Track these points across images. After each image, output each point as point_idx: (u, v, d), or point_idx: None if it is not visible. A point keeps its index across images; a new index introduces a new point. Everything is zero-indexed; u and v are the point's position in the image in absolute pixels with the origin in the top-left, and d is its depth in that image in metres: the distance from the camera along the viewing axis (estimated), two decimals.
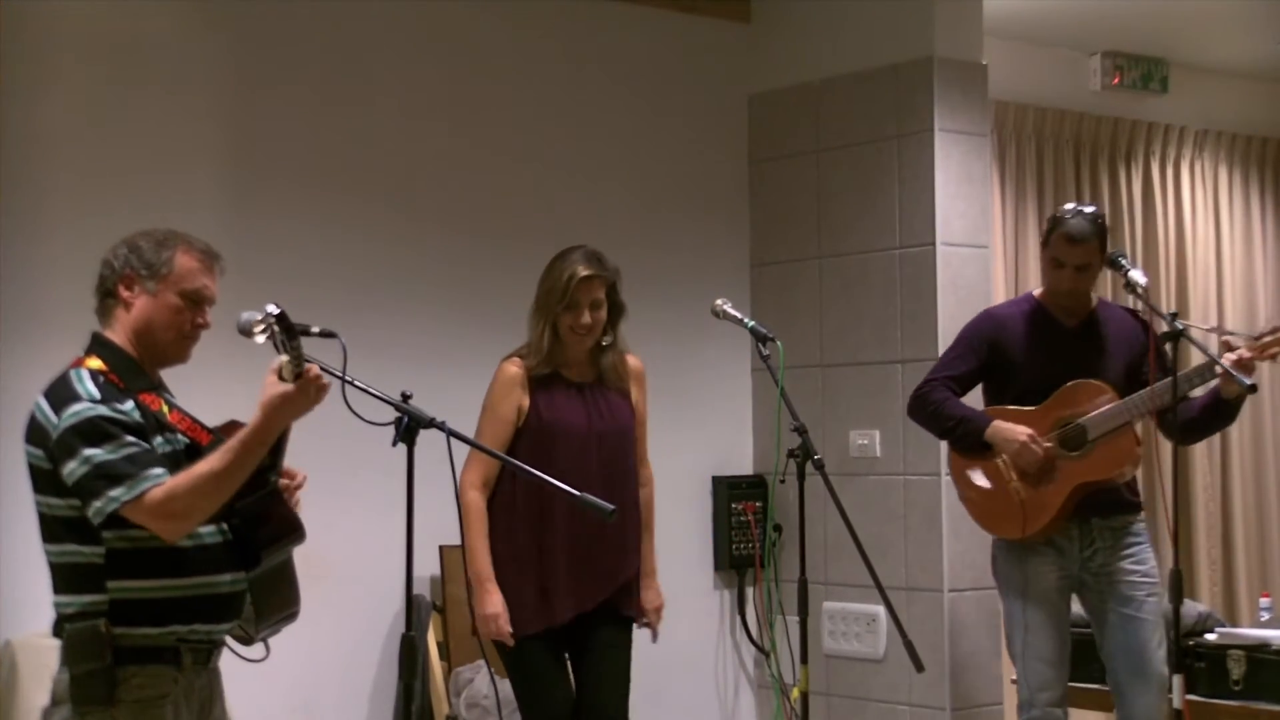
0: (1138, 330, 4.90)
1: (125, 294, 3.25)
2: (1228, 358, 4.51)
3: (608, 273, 4.52)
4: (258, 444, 3.11)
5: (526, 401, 4.48)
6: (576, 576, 4.44)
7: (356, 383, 3.25)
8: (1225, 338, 4.61)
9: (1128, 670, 4.74)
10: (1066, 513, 4.74)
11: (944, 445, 5.70)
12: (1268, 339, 4.56)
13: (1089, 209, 4.83)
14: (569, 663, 4.54)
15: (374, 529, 4.78)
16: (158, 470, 3.09)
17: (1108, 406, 4.67)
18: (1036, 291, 4.95)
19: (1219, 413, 4.68)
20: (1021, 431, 4.72)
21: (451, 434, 3.29)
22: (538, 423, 4.45)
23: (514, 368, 4.51)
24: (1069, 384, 4.75)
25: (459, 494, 4.34)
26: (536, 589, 4.43)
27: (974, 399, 5.06)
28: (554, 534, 4.41)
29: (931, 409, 4.91)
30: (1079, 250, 4.71)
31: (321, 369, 3.19)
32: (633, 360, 4.65)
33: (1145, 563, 4.81)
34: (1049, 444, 4.72)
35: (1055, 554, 4.80)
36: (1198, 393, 4.75)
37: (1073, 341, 4.84)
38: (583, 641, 4.51)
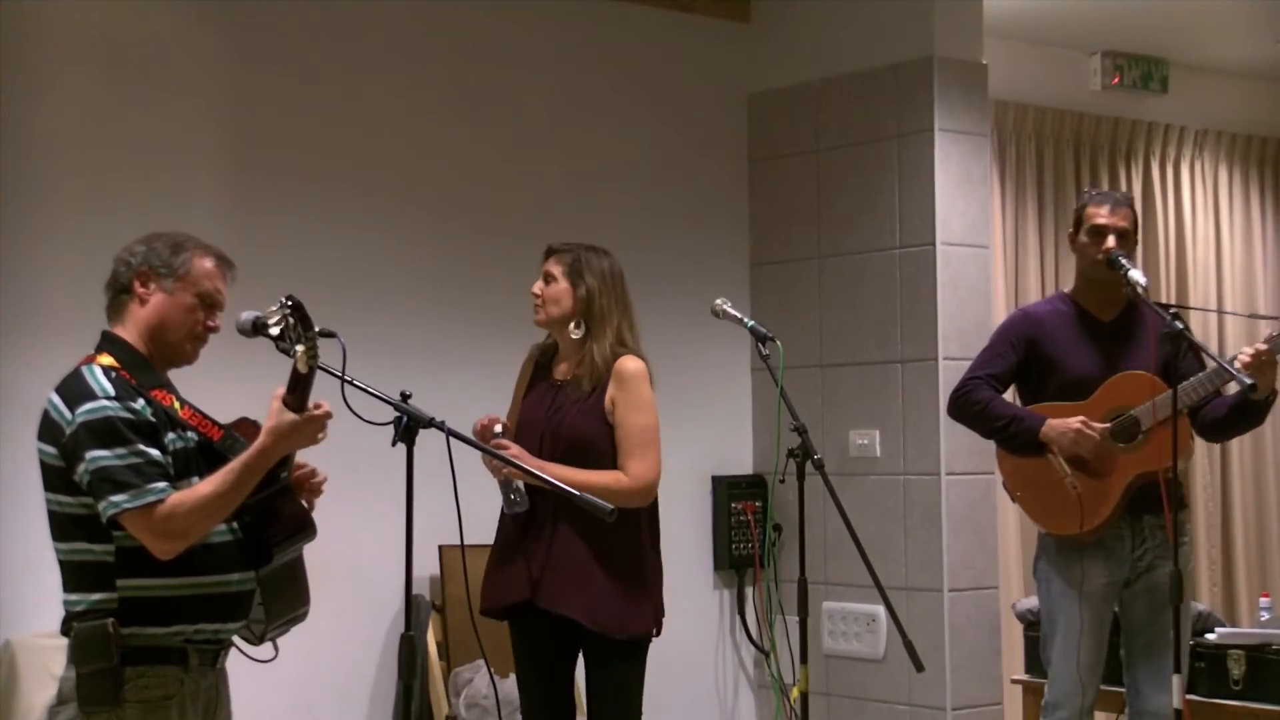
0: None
1: (141, 290, 3.26)
2: (1241, 357, 4.43)
3: (558, 249, 4.40)
4: (259, 466, 3.14)
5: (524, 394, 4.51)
6: (508, 568, 4.37)
7: (356, 382, 3.26)
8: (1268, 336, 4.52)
9: (1149, 669, 4.62)
10: (1121, 508, 4.60)
11: (946, 445, 5.72)
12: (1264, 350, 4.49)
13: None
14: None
15: (373, 529, 4.78)
16: (161, 485, 3.10)
17: (1158, 397, 4.54)
18: (1068, 289, 4.85)
19: (1245, 412, 4.56)
20: (1074, 420, 4.60)
21: (451, 434, 3.29)
22: None
23: (526, 358, 4.53)
24: (1116, 376, 4.65)
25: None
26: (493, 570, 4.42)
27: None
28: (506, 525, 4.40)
29: (978, 409, 4.74)
30: (1118, 214, 4.66)
31: (321, 368, 3.19)
32: (622, 362, 4.38)
33: (1190, 563, 4.74)
34: (1103, 430, 4.59)
35: (1105, 556, 4.64)
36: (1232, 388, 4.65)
37: (1109, 335, 4.72)
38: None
